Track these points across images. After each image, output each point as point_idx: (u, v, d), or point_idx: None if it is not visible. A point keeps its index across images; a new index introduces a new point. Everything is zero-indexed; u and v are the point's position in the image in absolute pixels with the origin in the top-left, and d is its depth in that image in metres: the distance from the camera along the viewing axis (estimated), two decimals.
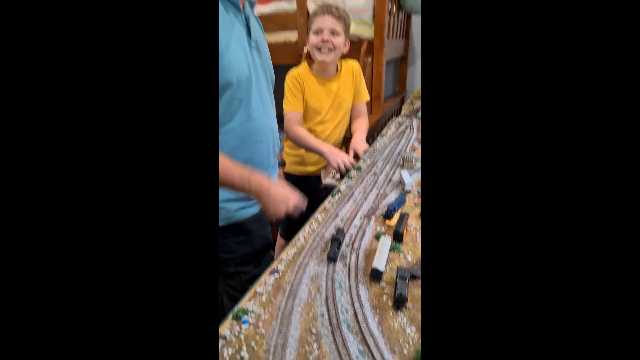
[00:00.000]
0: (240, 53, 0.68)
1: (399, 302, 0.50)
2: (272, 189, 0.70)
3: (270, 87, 0.83)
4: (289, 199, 0.72)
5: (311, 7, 1.58)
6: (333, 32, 1.13)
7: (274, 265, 0.60)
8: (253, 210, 0.82)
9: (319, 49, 1.14)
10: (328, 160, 1.12)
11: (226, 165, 0.65)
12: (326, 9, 1.12)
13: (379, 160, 1.07)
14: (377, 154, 1.13)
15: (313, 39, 1.15)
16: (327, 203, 0.82)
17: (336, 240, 0.63)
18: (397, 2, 1.69)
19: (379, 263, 0.56)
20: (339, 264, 0.59)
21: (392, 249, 0.62)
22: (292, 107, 1.20)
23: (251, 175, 0.68)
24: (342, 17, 1.13)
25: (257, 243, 0.84)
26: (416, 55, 2.27)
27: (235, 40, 0.68)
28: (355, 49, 1.50)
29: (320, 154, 1.15)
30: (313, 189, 1.29)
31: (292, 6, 1.64)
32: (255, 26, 0.78)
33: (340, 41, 1.14)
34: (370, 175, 0.97)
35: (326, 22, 1.12)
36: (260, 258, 0.86)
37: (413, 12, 1.82)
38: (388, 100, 1.96)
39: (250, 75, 0.71)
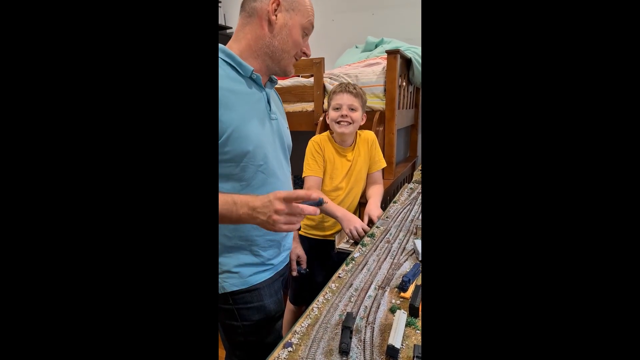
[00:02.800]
0: (258, 125, 0.75)
1: None
2: (257, 210, 0.66)
3: (287, 154, 0.88)
4: (269, 214, 0.64)
5: (327, 82, 1.73)
6: (351, 108, 1.24)
7: (287, 337, 0.59)
8: (267, 274, 0.83)
9: (338, 123, 1.25)
10: (342, 225, 1.14)
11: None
12: (345, 88, 1.25)
13: (392, 228, 1.08)
14: (390, 220, 1.15)
15: (333, 114, 1.26)
16: (341, 271, 0.82)
17: (347, 328, 0.58)
18: (406, 78, 1.83)
19: (395, 340, 0.55)
20: (354, 339, 0.58)
21: (408, 324, 0.61)
22: (312, 172, 1.28)
23: (236, 198, 0.67)
24: (359, 95, 1.26)
25: (269, 310, 0.83)
26: None
27: (255, 113, 0.75)
28: (368, 118, 1.59)
29: (334, 217, 1.18)
30: (327, 253, 1.30)
31: (308, 80, 1.80)
32: (275, 100, 0.86)
33: (357, 115, 1.25)
34: (383, 242, 0.97)
35: (344, 99, 1.23)
36: (271, 327, 0.84)
37: (421, 86, 1.95)
38: (400, 165, 2.03)
39: (268, 144, 0.77)
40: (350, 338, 0.58)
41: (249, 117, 0.73)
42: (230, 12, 2.79)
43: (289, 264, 1.00)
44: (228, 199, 0.67)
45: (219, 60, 0.74)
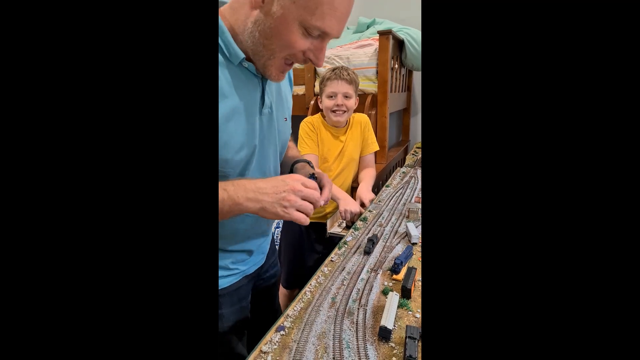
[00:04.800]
0: (244, 124, 0.60)
1: None
2: (262, 190, 0.56)
3: (277, 151, 0.73)
4: (283, 194, 0.55)
5: None
6: (346, 96, 1.21)
7: (280, 321, 0.59)
8: (229, 280, 0.72)
9: (334, 112, 1.23)
10: (339, 204, 1.14)
11: None
12: (339, 75, 1.20)
13: (384, 211, 1.08)
14: (383, 204, 1.14)
15: (328, 102, 1.23)
16: (334, 255, 0.81)
17: (371, 240, 0.84)
18: (399, 60, 1.80)
19: (387, 321, 0.55)
20: (346, 322, 0.58)
21: (400, 306, 0.61)
22: (310, 150, 1.26)
23: (228, 184, 0.55)
24: (353, 80, 1.22)
25: (226, 320, 0.72)
26: (418, 106, 2.36)
27: (240, 110, 0.59)
28: (360, 101, 1.57)
29: (336, 199, 1.17)
30: (319, 237, 1.30)
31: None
32: (276, 87, 0.69)
33: (352, 103, 1.23)
34: (376, 226, 0.97)
35: (339, 87, 1.20)
36: (229, 340, 0.74)
37: (414, 69, 1.93)
38: (393, 149, 2.02)
39: (253, 145, 0.63)
40: (373, 246, 0.83)
41: (232, 116, 0.57)
42: None
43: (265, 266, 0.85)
44: (223, 197, 0.55)
45: None
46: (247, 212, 0.56)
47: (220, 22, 0.56)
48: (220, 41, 0.56)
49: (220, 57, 0.56)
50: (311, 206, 0.57)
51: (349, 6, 0.54)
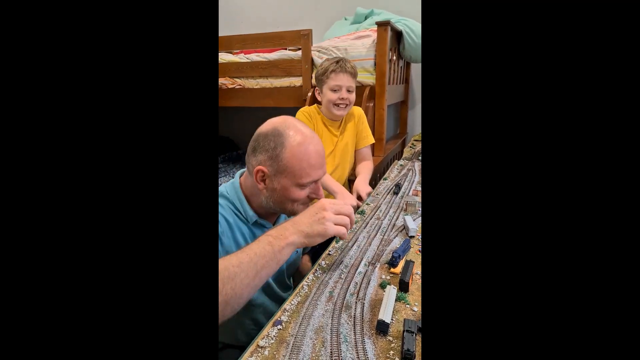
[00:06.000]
0: None
1: (407, 358, 0.48)
2: (299, 222, 0.63)
3: None
4: (317, 215, 0.63)
5: (315, 55, 1.67)
6: (349, 90, 1.20)
7: (277, 315, 0.59)
8: None
9: (337, 105, 1.20)
10: (336, 199, 1.13)
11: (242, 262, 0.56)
12: (344, 67, 1.18)
13: (382, 204, 1.07)
14: (381, 197, 1.14)
15: (331, 95, 1.20)
16: (331, 249, 0.81)
17: (397, 185, 1.11)
18: (397, 52, 1.78)
19: (385, 315, 0.55)
20: (343, 315, 0.58)
21: (398, 299, 0.61)
22: None
23: (263, 237, 0.61)
24: (356, 74, 1.21)
25: None
26: (416, 99, 2.35)
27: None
28: (358, 94, 1.56)
29: (331, 192, 1.17)
30: None
31: (296, 54, 1.73)
32: None
33: (354, 97, 1.22)
34: (374, 219, 0.97)
35: (344, 81, 1.18)
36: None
37: (412, 60, 1.91)
38: (390, 142, 2.01)
39: None
40: (400, 189, 1.07)
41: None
42: None
43: None
44: (259, 244, 0.60)
45: (225, 203, 0.73)
46: (296, 247, 0.63)
47: (240, 190, 0.75)
48: (240, 207, 0.74)
49: (239, 218, 0.74)
50: (347, 219, 0.66)
51: (321, 155, 0.71)
